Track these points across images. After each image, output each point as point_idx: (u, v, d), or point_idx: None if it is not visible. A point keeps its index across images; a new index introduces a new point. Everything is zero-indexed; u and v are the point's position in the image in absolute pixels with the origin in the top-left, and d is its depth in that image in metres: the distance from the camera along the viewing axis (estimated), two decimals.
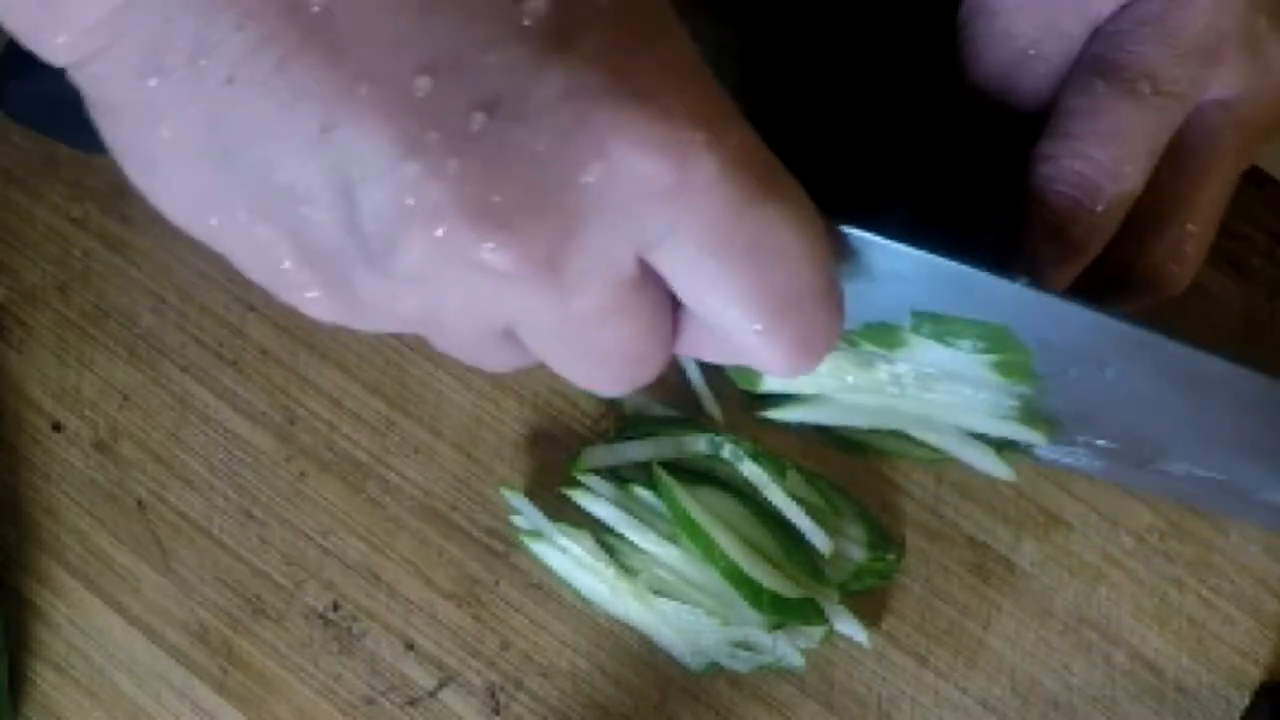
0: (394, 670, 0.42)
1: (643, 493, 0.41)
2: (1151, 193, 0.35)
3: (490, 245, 0.24)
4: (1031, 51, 0.37)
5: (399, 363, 0.44)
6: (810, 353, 0.27)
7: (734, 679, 0.41)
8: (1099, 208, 0.35)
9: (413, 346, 0.44)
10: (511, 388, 0.44)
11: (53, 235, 0.45)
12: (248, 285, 0.45)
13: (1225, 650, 0.41)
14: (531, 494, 0.42)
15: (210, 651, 0.42)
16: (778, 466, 0.41)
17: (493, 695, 0.41)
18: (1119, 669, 0.41)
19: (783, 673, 0.41)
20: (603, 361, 0.27)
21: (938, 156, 0.40)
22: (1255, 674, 0.41)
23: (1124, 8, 0.36)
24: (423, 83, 0.23)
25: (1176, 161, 0.36)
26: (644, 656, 0.42)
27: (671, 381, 0.43)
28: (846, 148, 0.44)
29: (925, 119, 0.41)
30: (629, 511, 0.41)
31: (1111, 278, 0.37)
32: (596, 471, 0.42)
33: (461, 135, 0.23)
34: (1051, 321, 0.32)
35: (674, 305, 0.27)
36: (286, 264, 0.26)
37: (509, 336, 0.27)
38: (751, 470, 0.41)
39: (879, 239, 0.30)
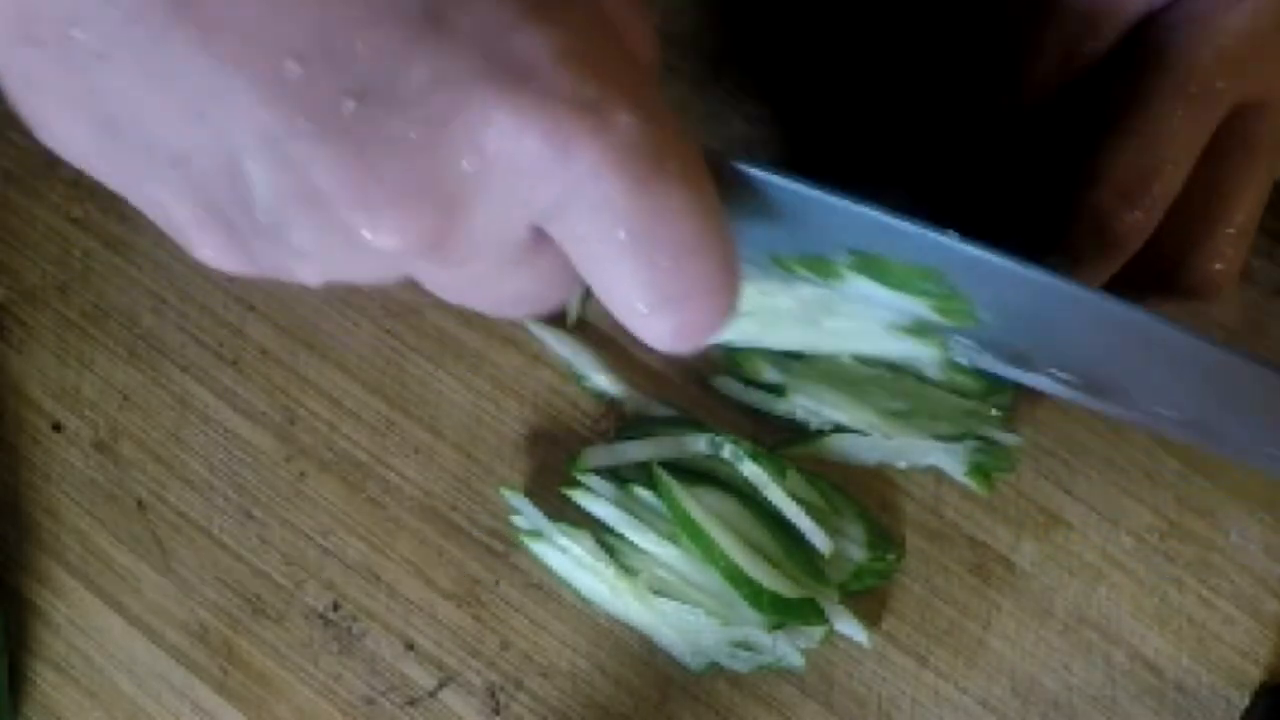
0: (394, 670, 0.42)
1: (643, 493, 0.41)
2: (1193, 195, 0.36)
3: (369, 233, 0.24)
4: (1080, 47, 0.37)
5: (399, 363, 0.44)
6: (693, 339, 0.27)
7: (734, 679, 0.41)
8: (1143, 204, 0.35)
9: (413, 346, 0.44)
10: (511, 388, 0.44)
11: (53, 235, 0.45)
12: (248, 285, 0.45)
13: (1225, 650, 0.41)
14: (531, 494, 0.42)
15: (210, 651, 0.42)
16: (778, 466, 0.41)
17: (493, 695, 0.41)
18: (1119, 669, 0.41)
19: (783, 673, 0.41)
20: (503, 303, 0.27)
21: (970, 157, 0.41)
22: (1255, 674, 0.41)
23: (1173, 4, 0.36)
24: (292, 67, 0.22)
25: (1217, 164, 0.36)
26: (644, 656, 0.42)
27: (671, 381, 0.44)
28: (881, 150, 0.45)
29: (959, 120, 0.41)
30: (629, 511, 0.41)
31: (1156, 280, 0.37)
32: (596, 471, 0.42)
33: (334, 122, 0.23)
34: (988, 275, 0.31)
35: None
36: (180, 220, 0.26)
37: None
38: (751, 470, 0.41)
39: (808, 188, 0.29)
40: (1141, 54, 0.36)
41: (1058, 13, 0.37)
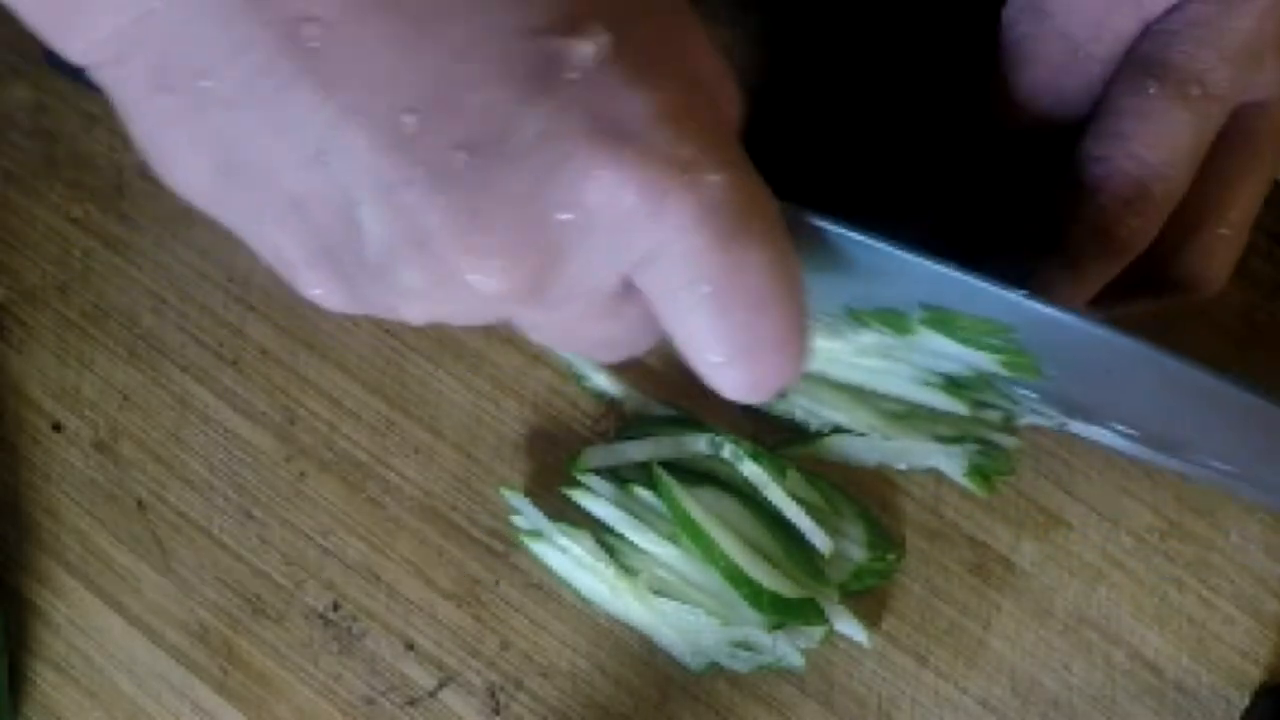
0: (394, 670, 0.42)
1: (643, 493, 0.41)
2: (1190, 192, 0.36)
3: (475, 276, 0.25)
4: (1081, 53, 0.37)
5: (399, 363, 0.44)
6: (762, 391, 0.28)
7: (734, 679, 0.41)
8: (1147, 208, 0.35)
9: (413, 346, 0.44)
10: (511, 388, 0.44)
11: (53, 235, 0.45)
12: (248, 285, 0.45)
13: (1225, 650, 0.41)
14: (531, 494, 0.42)
15: (210, 651, 0.42)
16: (778, 466, 0.41)
17: (493, 695, 0.41)
18: (1119, 669, 0.41)
19: (783, 673, 0.41)
20: (594, 347, 0.29)
21: (968, 162, 0.40)
22: (1255, 674, 0.41)
23: (1174, 8, 0.36)
24: (409, 120, 0.24)
25: (1214, 164, 0.36)
26: (644, 656, 0.42)
27: (672, 381, 0.44)
28: (875, 155, 0.44)
29: (956, 125, 0.41)
30: (629, 511, 0.41)
31: (1146, 276, 0.37)
32: (596, 471, 0.42)
33: (447, 172, 0.24)
34: (1052, 330, 0.32)
35: None
36: (293, 260, 0.27)
37: None
38: (751, 470, 0.41)
39: (881, 244, 0.30)
40: (1144, 59, 0.36)
41: (1055, 20, 0.37)
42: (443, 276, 0.25)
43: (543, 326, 0.28)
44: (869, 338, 0.37)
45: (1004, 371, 0.36)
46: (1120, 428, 0.39)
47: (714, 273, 0.26)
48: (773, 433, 0.43)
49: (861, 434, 0.42)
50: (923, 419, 0.42)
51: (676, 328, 0.27)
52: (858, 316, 0.36)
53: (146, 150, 0.27)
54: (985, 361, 0.35)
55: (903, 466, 0.43)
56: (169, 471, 0.43)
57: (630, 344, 0.29)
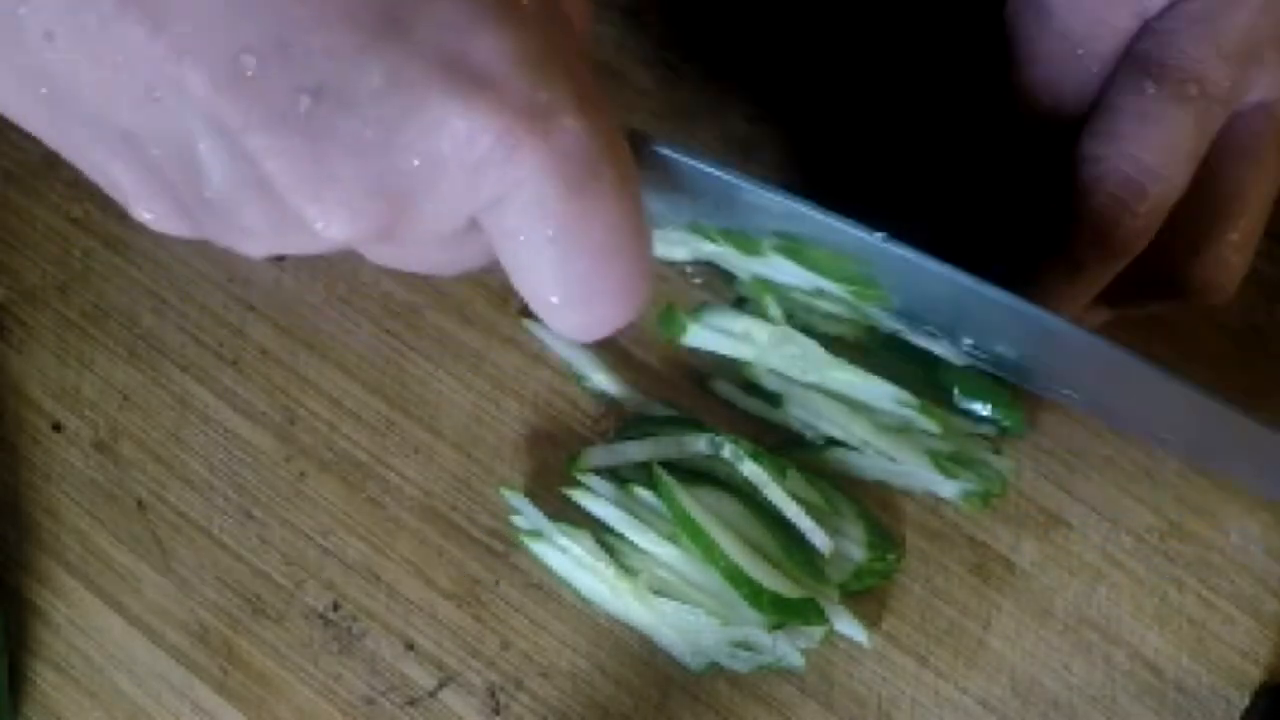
0: (394, 670, 0.42)
1: (643, 493, 0.41)
2: (1197, 199, 0.36)
3: (320, 223, 0.24)
4: (1081, 51, 0.37)
5: (399, 363, 0.44)
6: (594, 334, 0.28)
7: (734, 679, 0.41)
8: (1143, 209, 0.35)
9: (413, 346, 0.44)
10: (511, 388, 0.44)
11: (53, 235, 0.45)
12: (248, 285, 0.45)
13: (1225, 650, 0.41)
14: (531, 494, 0.42)
15: (210, 651, 0.42)
16: (778, 466, 0.41)
17: (493, 695, 0.41)
18: (1119, 669, 0.41)
19: (783, 673, 0.41)
20: (432, 270, 0.29)
21: (969, 162, 0.40)
22: (1255, 674, 0.41)
23: (1173, 5, 0.36)
24: (248, 61, 0.23)
25: (1222, 170, 0.36)
26: (644, 656, 0.42)
27: (672, 381, 0.43)
28: (877, 155, 0.45)
29: (957, 125, 0.41)
30: (629, 511, 0.41)
31: (1160, 281, 0.37)
32: (596, 471, 0.42)
33: (289, 117, 0.23)
34: (911, 273, 0.31)
35: None
36: (128, 190, 0.26)
37: None
38: (751, 470, 0.41)
39: (738, 178, 0.30)
40: (1142, 57, 0.36)
41: (1055, 18, 0.37)
42: (285, 219, 0.25)
43: (386, 257, 0.28)
44: (709, 249, 0.37)
45: (850, 297, 0.36)
46: (967, 342, 0.39)
47: (561, 219, 0.25)
48: (771, 438, 0.43)
49: (858, 450, 0.42)
50: (916, 433, 0.42)
51: (515, 267, 0.27)
52: (704, 232, 0.36)
53: None
54: (832, 287, 0.35)
55: (899, 484, 0.43)
56: (169, 471, 0.43)
57: (470, 265, 0.29)
